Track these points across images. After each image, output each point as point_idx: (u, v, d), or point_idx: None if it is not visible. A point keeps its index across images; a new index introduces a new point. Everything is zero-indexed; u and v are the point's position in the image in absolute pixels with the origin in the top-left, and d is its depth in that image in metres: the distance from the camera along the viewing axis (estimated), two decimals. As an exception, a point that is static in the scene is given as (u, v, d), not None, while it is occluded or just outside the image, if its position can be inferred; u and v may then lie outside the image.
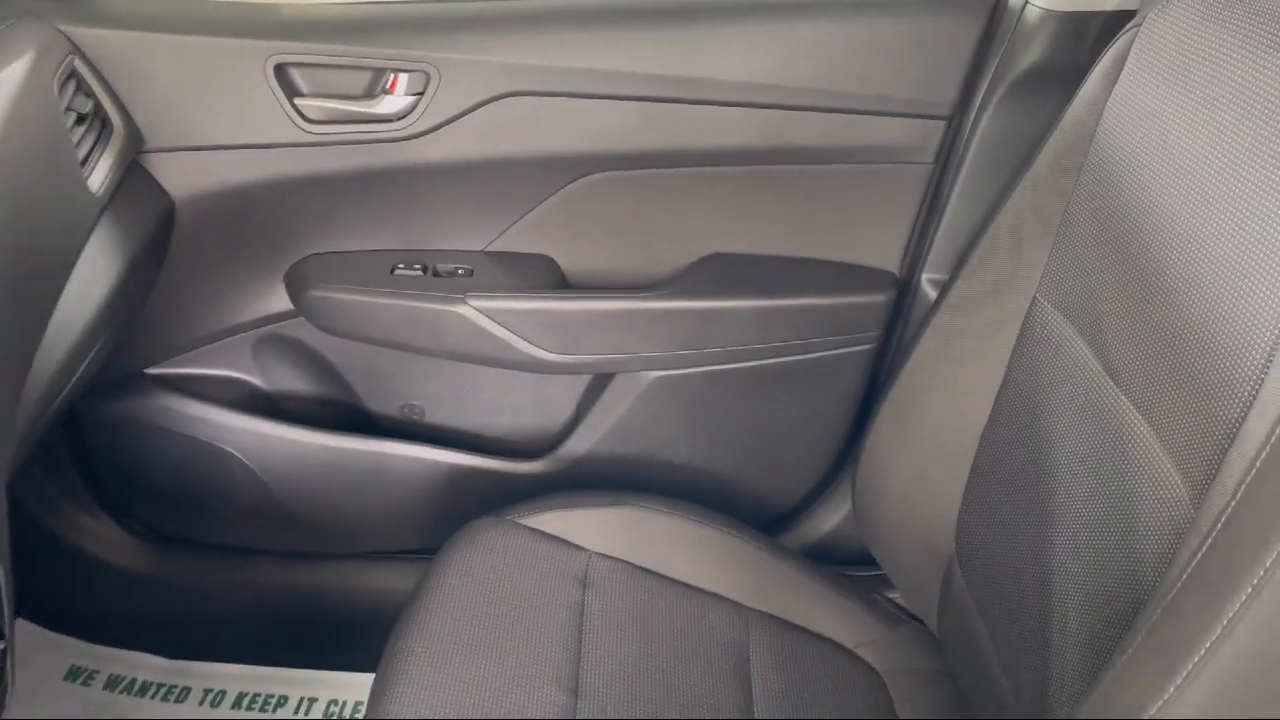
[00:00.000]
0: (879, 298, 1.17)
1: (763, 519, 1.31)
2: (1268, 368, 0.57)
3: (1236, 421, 0.58)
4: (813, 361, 1.20)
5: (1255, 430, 0.56)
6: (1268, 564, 0.52)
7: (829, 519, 1.33)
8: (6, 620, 0.60)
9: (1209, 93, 0.68)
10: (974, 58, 1.06)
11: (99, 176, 0.93)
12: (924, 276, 1.16)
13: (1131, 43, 0.79)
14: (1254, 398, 0.57)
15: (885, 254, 1.18)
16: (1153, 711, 0.57)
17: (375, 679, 0.91)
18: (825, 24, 1.06)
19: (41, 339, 0.80)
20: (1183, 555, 0.59)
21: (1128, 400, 0.72)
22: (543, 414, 1.29)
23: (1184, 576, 0.58)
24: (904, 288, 1.19)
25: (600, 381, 1.25)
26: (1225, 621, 0.54)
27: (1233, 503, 0.56)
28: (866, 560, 1.25)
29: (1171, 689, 0.56)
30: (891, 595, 1.17)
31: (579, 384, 1.28)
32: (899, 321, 1.20)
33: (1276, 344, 0.56)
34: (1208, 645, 0.54)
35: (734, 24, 1.07)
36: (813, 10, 1.07)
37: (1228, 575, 0.54)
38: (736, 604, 1.07)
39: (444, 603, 0.98)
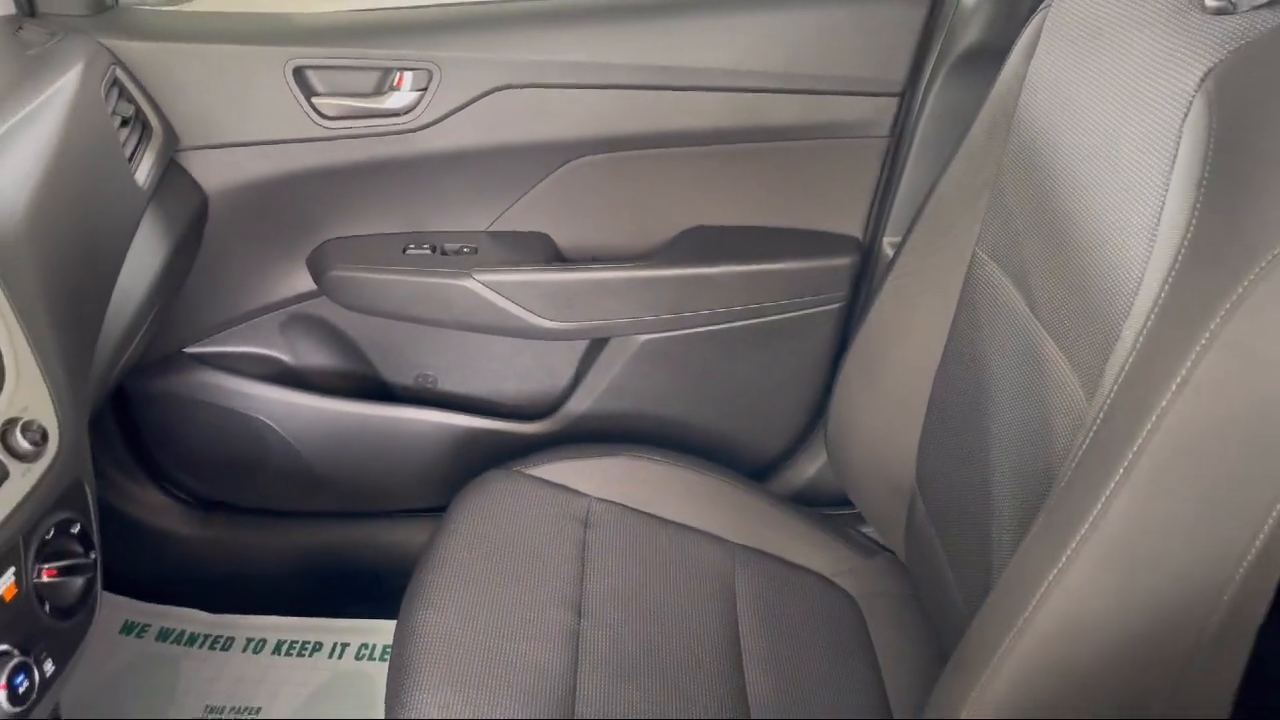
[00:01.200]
0: (845, 260, 1.27)
1: (749, 468, 1.41)
2: (1137, 290, 0.67)
3: (1115, 333, 0.69)
4: (787, 321, 1.30)
5: (1127, 339, 0.66)
6: (1135, 448, 0.62)
7: (810, 466, 1.42)
8: (95, 540, 0.71)
9: (1102, 59, 0.78)
10: (920, 40, 1.16)
11: (143, 172, 1.04)
12: (884, 240, 1.26)
13: (1044, 20, 0.89)
14: (1128, 313, 0.68)
15: (849, 220, 1.28)
16: (1046, 582, 0.67)
17: (402, 605, 1.01)
18: (787, 13, 1.17)
19: (106, 311, 0.91)
20: (1076, 448, 0.70)
21: (1045, 330, 0.82)
22: (545, 378, 1.39)
23: (1072, 465, 0.68)
24: (867, 251, 1.29)
25: (596, 346, 1.35)
26: (1102, 500, 0.64)
27: (1108, 400, 0.66)
28: (844, 502, 1.35)
29: (1062, 560, 0.66)
30: (865, 530, 1.27)
31: (577, 349, 1.37)
32: (864, 282, 1.30)
33: (1144, 269, 0.67)
34: (1089, 521, 0.64)
35: (706, 16, 1.17)
36: (776, 2, 1.17)
37: (1104, 461, 0.65)
38: (724, 540, 1.16)
39: (460, 541, 1.08)
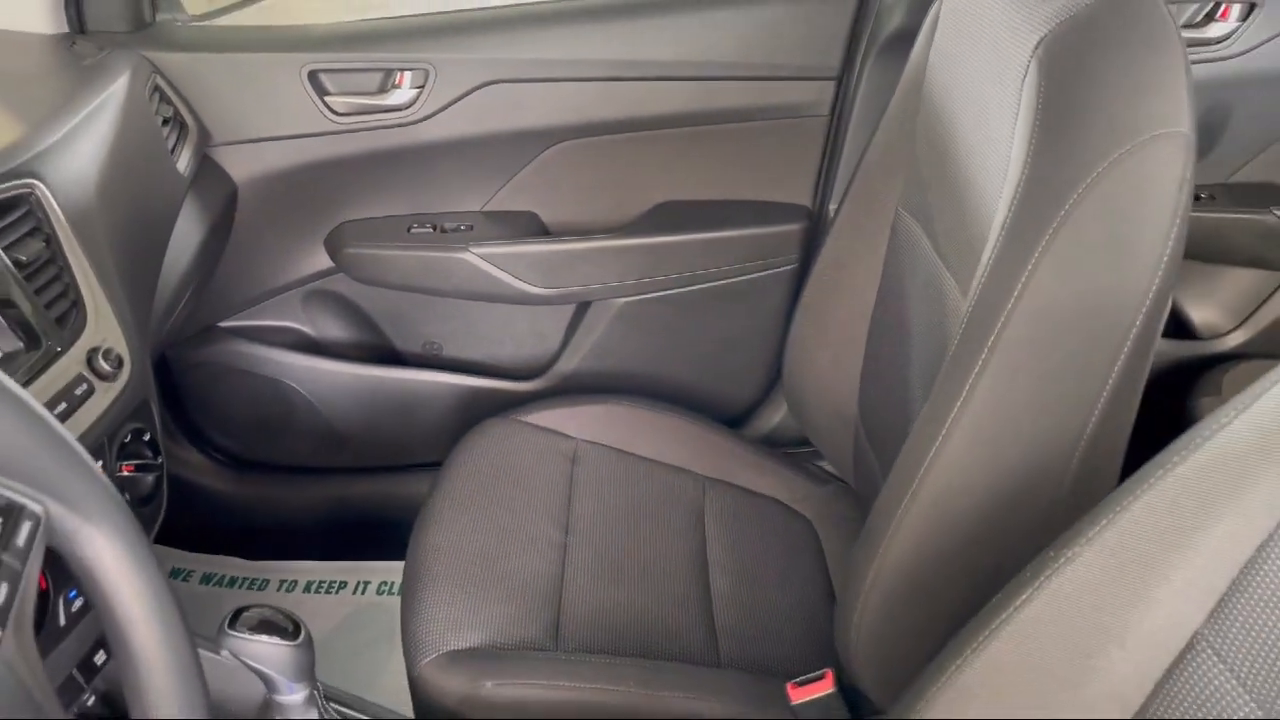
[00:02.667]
0: (795, 227, 1.41)
1: (721, 417, 1.53)
2: (993, 219, 0.81)
3: (980, 255, 0.83)
4: (747, 283, 1.44)
5: (985, 258, 0.81)
6: (989, 343, 0.77)
7: (775, 414, 1.56)
8: (161, 446, 0.87)
9: (972, 38, 0.93)
10: (851, 29, 1.30)
11: (183, 163, 1.19)
12: (830, 207, 1.40)
13: (940, 7, 1.04)
14: (987, 238, 0.82)
15: (798, 191, 1.42)
16: (929, 456, 0.81)
17: (414, 527, 1.16)
18: (734, 10, 1.31)
19: (159, 275, 1.06)
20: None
21: (941, 262, 0.97)
22: (537, 342, 1.53)
23: (946, 360, 0.82)
24: (815, 217, 1.43)
25: (580, 311, 1.49)
26: (968, 386, 0.78)
27: (971, 307, 0.81)
28: (805, 443, 1.49)
29: (940, 437, 0.80)
30: (822, 464, 1.41)
31: (565, 315, 1.51)
32: (814, 245, 1.44)
33: (998, 197, 0.81)
34: (959, 403, 0.79)
35: (664, 16, 1.31)
36: (724, 0, 1.32)
37: (969, 355, 0.79)
38: (695, 473, 1.30)
39: (463, 475, 1.22)
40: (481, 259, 1.39)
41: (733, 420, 1.57)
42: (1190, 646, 0.52)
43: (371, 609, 1.51)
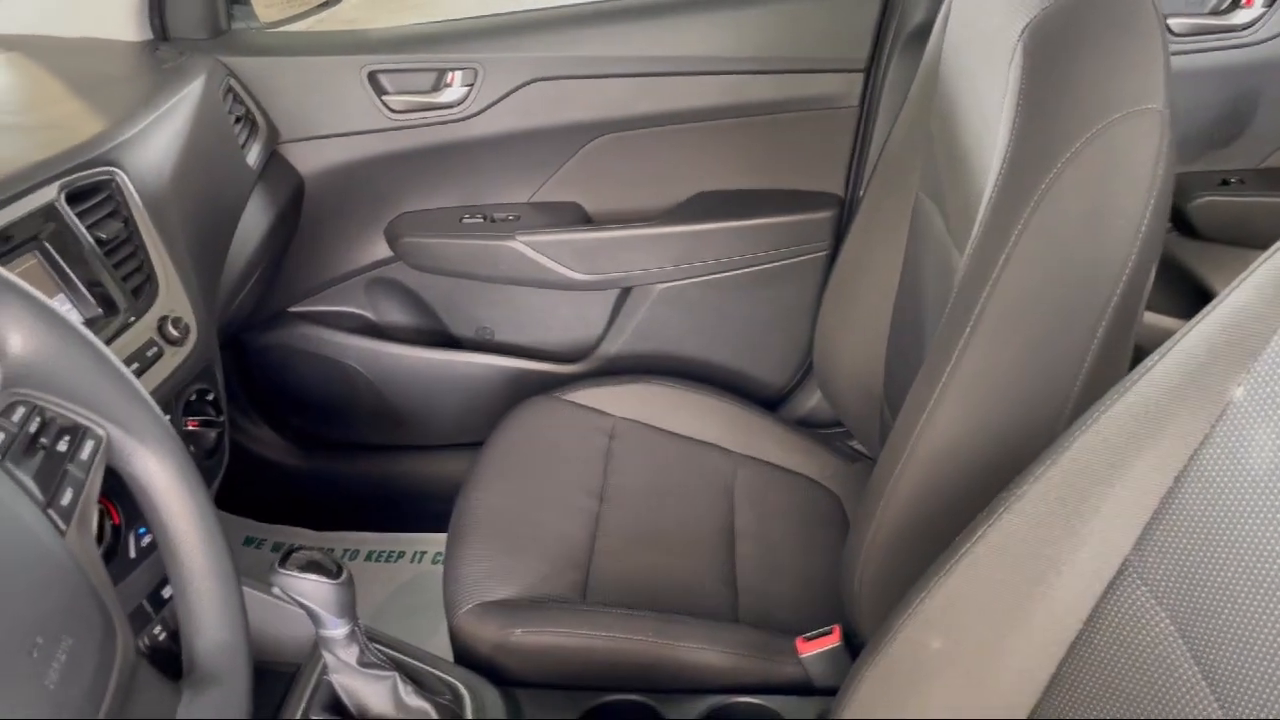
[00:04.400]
0: (827, 214, 1.46)
1: (757, 399, 1.57)
2: (984, 193, 0.85)
3: (973, 229, 0.87)
4: (781, 268, 1.49)
5: (977, 230, 0.85)
6: (976, 311, 0.81)
7: (809, 398, 1.60)
8: (223, 406, 0.96)
9: (976, 25, 0.97)
10: (878, 23, 1.34)
11: (252, 157, 1.29)
12: (860, 194, 1.44)
13: (951, 1, 1.08)
14: (979, 210, 0.86)
15: (829, 179, 1.46)
16: (922, 419, 0.85)
17: (460, 491, 1.23)
18: (765, 7, 1.36)
19: (226, 257, 1.16)
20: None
21: (950, 239, 1.00)
22: (582, 327, 1.60)
23: (940, 327, 0.86)
24: (845, 204, 1.47)
25: (622, 297, 1.55)
26: (957, 351, 0.82)
27: (961, 276, 0.85)
28: (837, 424, 1.53)
29: (932, 401, 0.84)
30: (853, 443, 1.45)
31: (607, 302, 1.57)
32: (844, 231, 1.48)
33: (989, 170, 0.84)
34: (949, 368, 0.83)
35: (699, 13, 1.37)
36: (757, -1, 1.37)
37: (959, 322, 0.83)
38: (727, 450, 1.36)
39: (507, 446, 1.29)
40: (528, 247, 1.46)
41: (768, 403, 1.62)
42: (1120, 573, 0.56)
43: (425, 577, 1.59)
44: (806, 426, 1.50)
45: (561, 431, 1.33)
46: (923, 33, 1.30)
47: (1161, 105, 0.76)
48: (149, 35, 1.35)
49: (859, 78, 1.38)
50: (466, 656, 1.04)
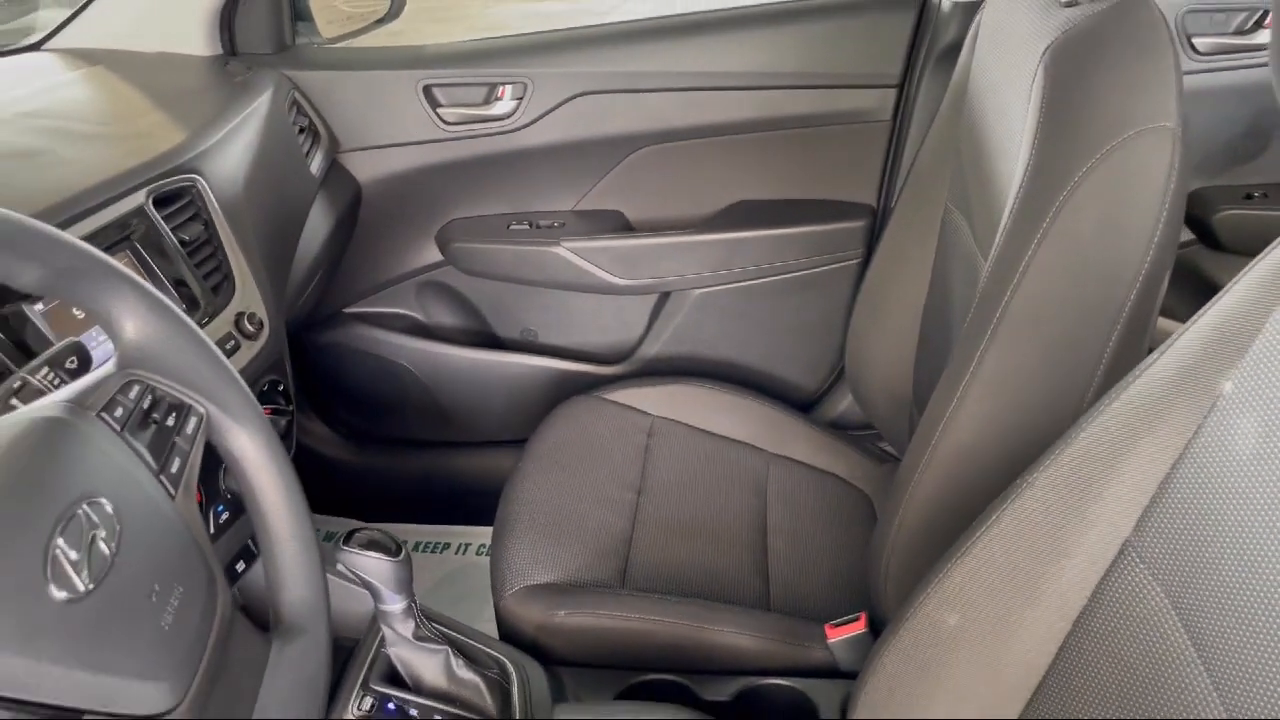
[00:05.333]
0: (860, 223, 1.50)
1: (791, 401, 1.63)
2: (1007, 202, 0.90)
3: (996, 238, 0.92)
4: (816, 275, 1.53)
5: (999, 239, 0.90)
6: (998, 314, 0.85)
7: (842, 401, 1.64)
8: (292, 395, 1.03)
9: (1003, 45, 1.02)
10: (911, 41, 1.39)
11: (315, 165, 1.37)
12: (891, 205, 1.48)
13: (980, 20, 1.13)
14: (1002, 219, 0.90)
15: (862, 190, 1.51)
16: (944, 419, 0.90)
17: (506, 483, 1.30)
18: (804, 25, 1.42)
19: (294, 257, 1.23)
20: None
21: (977, 248, 1.05)
22: (623, 330, 1.65)
23: (966, 326, 0.91)
24: (878, 214, 1.51)
25: (661, 301, 1.61)
26: (978, 354, 0.87)
27: (984, 281, 0.90)
28: (868, 426, 1.57)
29: (954, 400, 0.89)
30: (883, 445, 1.49)
31: (647, 306, 1.63)
32: (876, 240, 1.53)
33: (1012, 181, 0.89)
34: (970, 370, 0.88)
35: (737, 30, 1.43)
36: (795, 15, 1.43)
37: (981, 325, 0.88)
38: (760, 449, 1.41)
39: (551, 442, 1.35)
40: (572, 253, 1.52)
41: (801, 405, 1.66)
42: (1121, 553, 0.61)
43: (471, 568, 1.66)
44: (837, 428, 1.54)
45: (602, 429, 1.39)
46: (953, 51, 1.34)
47: (1174, 123, 0.80)
48: (219, 50, 1.43)
49: (892, 93, 1.43)
50: (512, 636, 1.10)
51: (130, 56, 1.37)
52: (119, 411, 0.56)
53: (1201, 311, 0.59)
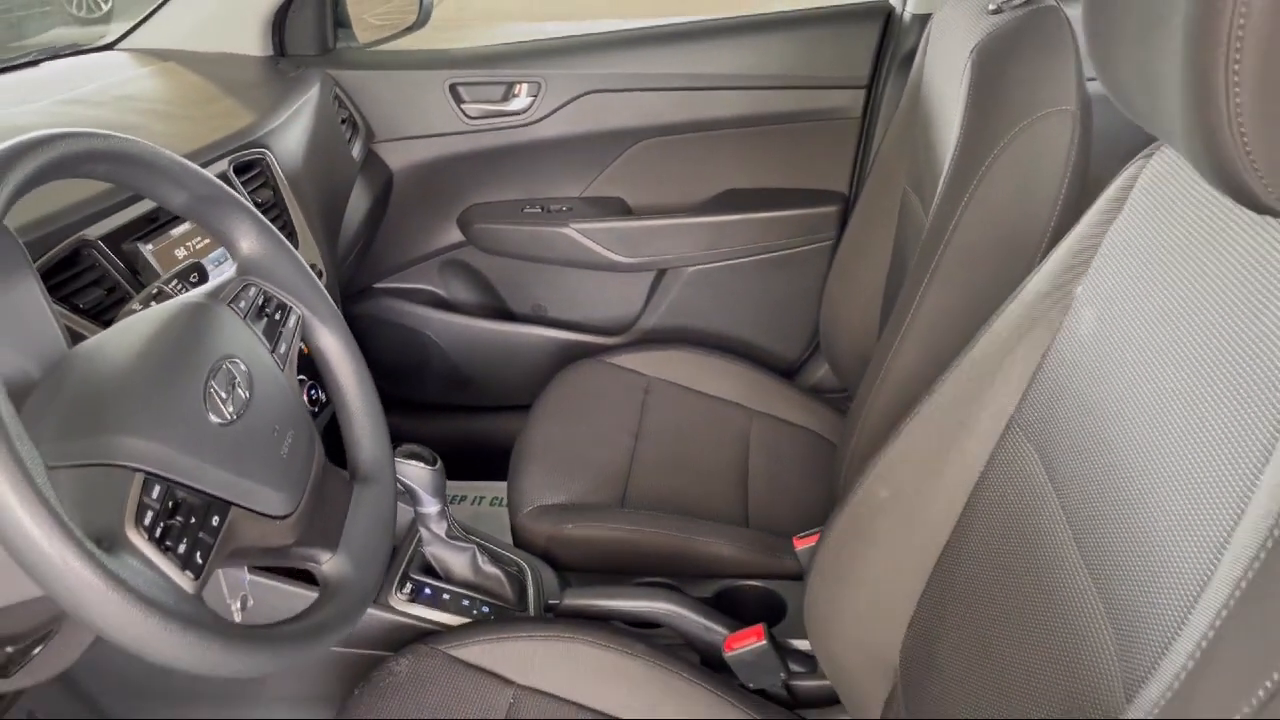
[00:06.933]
0: (833, 209, 1.67)
1: (772, 369, 1.80)
2: (942, 170, 1.08)
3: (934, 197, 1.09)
4: (794, 255, 1.70)
5: (937, 199, 1.07)
6: (933, 264, 1.03)
7: (819, 369, 1.81)
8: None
9: (943, 46, 1.19)
10: (878, 47, 1.56)
11: (355, 152, 1.54)
12: (861, 192, 1.65)
13: (930, 27, 1.30)
14: (939, 184, 1.08)
15: (835, 180, 1.67)
16: (886, 362, 1.07)
17: (521, 430, 1.46)
18: (785, 33, 1.59)
19: (340, 231, 1.41)
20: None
21: (925, 216, 1.22)
22: (623, 305, 1.82)
23: (909, 276, 1.08)
24: (848, 201, 1.69)
25: (658, 278, 1.78)
26: (917, 299, 1.04)
27: (924, 233, 1.07)
28: (843, 392, 1.74)
29: (895, 343, 1.06)
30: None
31: (644, 284, 1.79)
32: (847, 223, 1.70)
33: (946, 159, 1.07)
34: (911, 313, 1.05)
35: (728, 38, 1.60)
36: (777, 24, 1.60)
37: (920, 274, 1.05)
38: (745, 406, 1.57)
39: (558, 396, 1.51)
40: (579, 233, 1.70)
41: (784, 373, 1.81)
42: (1007, 428, 0.78)
43: (486, 516, 1.82)
44: (815, 393, 1.71)
45: (604, 387, 1.55)
46: (913, 56, 1.52)
47: (1074, 107, 0.98)
48: (270, 52, 1.60)
49: (862, 93, 1.60)
50: (527, 548, 1.27)
51: (194, 55, 1.55)
52: (242, 304, 0.73)
53: (1065, 237, 0.76)
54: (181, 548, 0.58)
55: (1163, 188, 0.65)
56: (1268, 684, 0.40)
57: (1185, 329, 0.57)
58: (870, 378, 1.11)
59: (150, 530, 0.57)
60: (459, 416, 1.92)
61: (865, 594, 0.89)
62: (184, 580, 0.57)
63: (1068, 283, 0.74)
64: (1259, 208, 0.46)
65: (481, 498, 1.87)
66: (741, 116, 1.64)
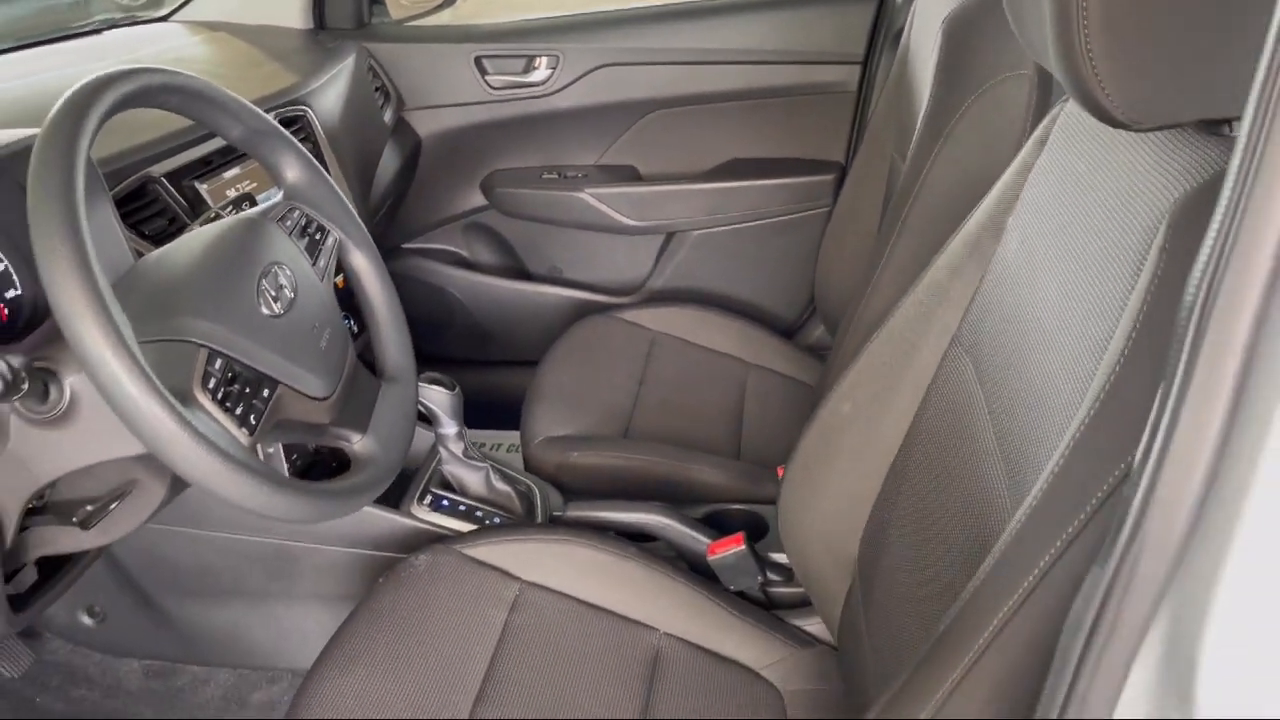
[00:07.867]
0: (829, 177, 1.77)
1: (775, 327, 1.89)
2: (913, 133, 1.18)
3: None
4: (793, 220, 1.80)
5: (904, 157, 1.17)
6: (907, 208, 1.13)
7: (815, 330, 1.91)
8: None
9: (924, 17, 1.29)
10: (872, 25, 1.66)
11: (387, 118, 1.66)
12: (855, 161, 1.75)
13: (915, 4, 1.40)
14: (910, 142, 1.18)
15: (832, 150, 1.77)
16: (864, 298, 1.17)
17: (535, 372, 1.58)
18: (786, 10, 1.69)
19: (371, 188, 1.53)
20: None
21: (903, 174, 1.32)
22: (634, 268, 1.92)
23: (882, 225, 1.18)
24: (844, 169, 1.79)
25: (666, 240, 1.89)
26: (892, 240, 1.15)
27: (898, 188, 1.17)
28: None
29: (874, 278, 1.17)
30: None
31: (653, 247, 1.89)
32: (842, 189, 1.80)
33: (919, 119, 1.17)
34: (885, 253, 1.15)
35: (733, 15, 1.70)
36: (779, 2, 1.70)
37: (894, 217, 1.15)
38: (743, 360, 1.66)
39: (569, 346, 1.62)
40: (593, 198, 1.80)
41: (783, 333, 1.92)
42: (951, 343, 0.88)
43: (502, 462, 1.93)
44: (816, 356, 1.81)
45: (612, 338, 1.66)
46: (899, 32, 1.62)
47: (1031, 71, 1.07)
48: (310, 25, 1.72)
49: (857, 68, 1.70)
50: (536, 473, 1.38)
51: (242, 26, 1.67)
52: (288, 223, 0.85)
53: (1002, 175, 0.86)
54: (239, 409, 0.70)
55: (1074, 125, 0.76)
56: (1118, 469, 0.51)
57: (1079, 235, 0.68)
58: (849, 316, 1.22)
59: (214, 393, 0.68)
60: (479, 369, 2.04)
61: (831, 496, 0.99)
62: (241, 434, 0.69)
63: (1000, 214, 0.84)
64: (1113, 122, 0.56)
65: (499, 445, 1.98)
66: (746, 90, 1.74)
